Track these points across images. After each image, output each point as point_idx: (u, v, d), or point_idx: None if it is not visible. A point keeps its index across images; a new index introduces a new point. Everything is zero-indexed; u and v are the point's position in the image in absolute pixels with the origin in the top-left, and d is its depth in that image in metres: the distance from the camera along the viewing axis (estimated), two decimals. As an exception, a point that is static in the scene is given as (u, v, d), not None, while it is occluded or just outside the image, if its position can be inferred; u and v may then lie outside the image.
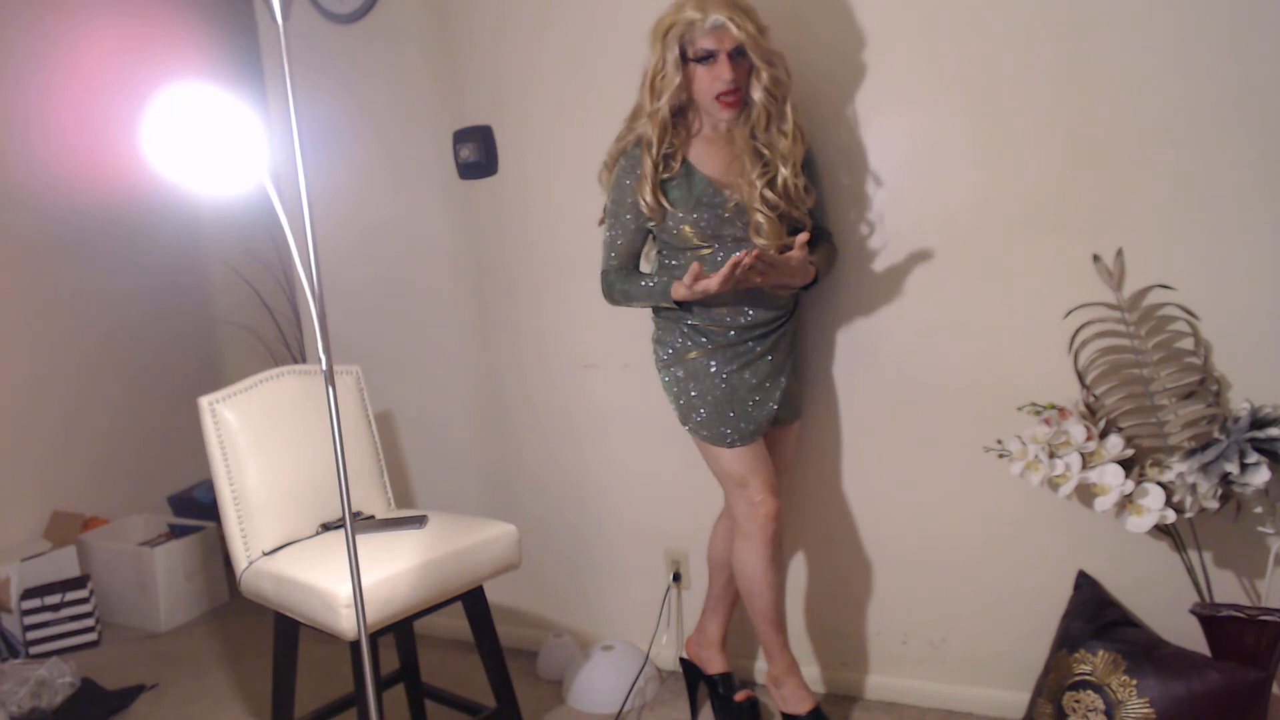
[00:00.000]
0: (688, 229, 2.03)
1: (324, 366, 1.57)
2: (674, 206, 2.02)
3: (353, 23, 2.81)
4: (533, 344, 2.74)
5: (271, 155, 1.59)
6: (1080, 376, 2.01)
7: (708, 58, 1.93)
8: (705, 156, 2.04)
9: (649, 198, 2.02)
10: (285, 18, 1.55)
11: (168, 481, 3.83)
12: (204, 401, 2.13)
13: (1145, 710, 1.85)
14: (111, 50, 3.59)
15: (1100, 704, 1.90)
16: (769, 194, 1.97)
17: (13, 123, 3.38)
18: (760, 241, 1.99)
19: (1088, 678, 1.93)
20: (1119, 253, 1.96)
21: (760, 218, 1.98)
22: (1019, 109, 2.05)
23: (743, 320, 2.06)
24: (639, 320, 2.37)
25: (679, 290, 1.99)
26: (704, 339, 2.08)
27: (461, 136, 2.69)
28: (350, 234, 2.91)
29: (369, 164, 2.88)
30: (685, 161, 2.04)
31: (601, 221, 2.19)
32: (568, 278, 2.63)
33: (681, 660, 2.46)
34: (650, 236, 2.16)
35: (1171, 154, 1.95)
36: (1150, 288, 1.97)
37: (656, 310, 2.16)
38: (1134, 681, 1.87)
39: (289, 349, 3.92)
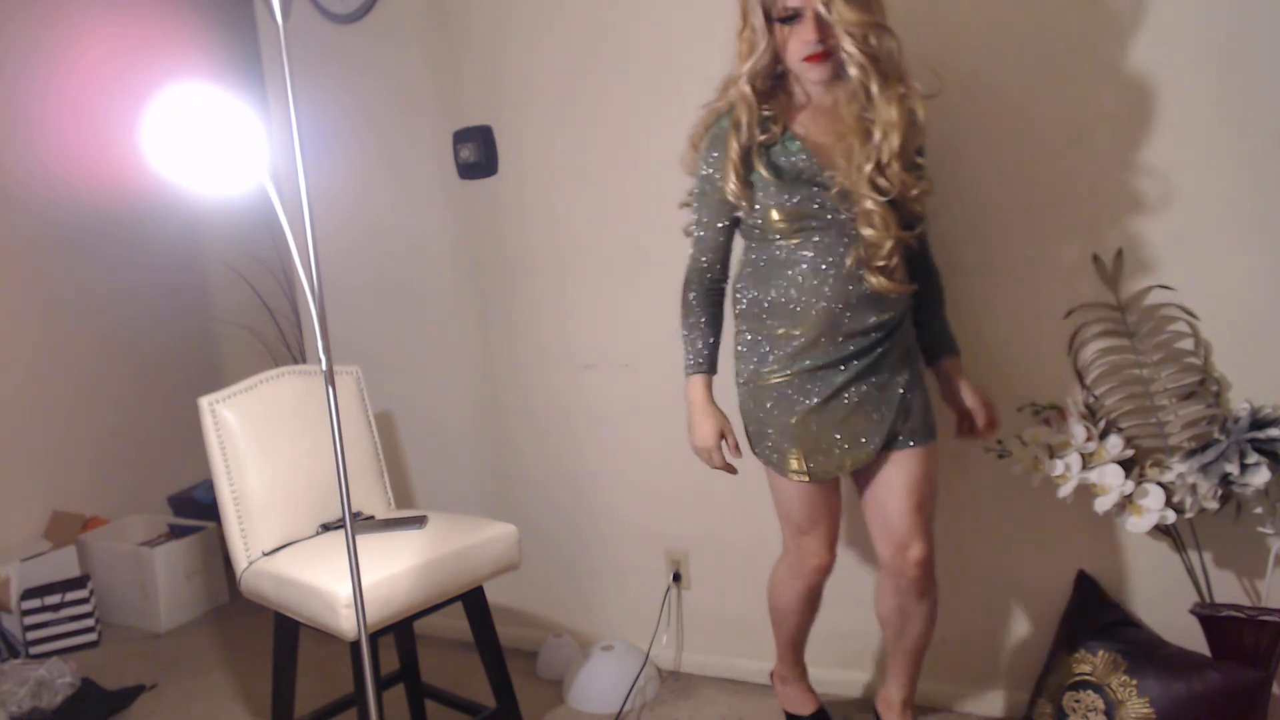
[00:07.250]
0: (775, 214, 1.79)
1: (324, 366, 1.57)
2: (771, 177, 1.78)
3: (353, 23, 2.81)
4: (533, 344, 2.74)
5: (271, 155, 1.58)
6: (1080, 376, 2.01)
7: (793, 18, 1.72)
8: (811, 128, 1.80)
9: (733, 183, 1.80)
10: (285, 18, 1.55)
11: (168, 481, 3.82)
12: (204, 402, 2.13)
13: (1145, 710, 1.85)
14: (111, 50, 3.58)
15: (1100, 704, 1.90)
16: (880, 179, 1.72)
17: (13, 123, 3.38)
18: (869, 233, 1.73)
19: (1088, 678, 1.93)
20: (1119, 253, 1.96)
21: (869, 204, 1.72)
22: (1018, 108, 2.05)
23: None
24: (639, 320, 2.37)
25: (696, 391, 1.94)
26: (786, 359, 1.85)
27: (461, 137, 2.69)
28: (350, 234, 2.91)
29: (369, 164, 2.88)
30: (787, 129, 1.80)
31: (684, 204, 1.98)
32: (568, 278, 2.63)
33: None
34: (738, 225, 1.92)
35: (1172, 154, 1.95)
36: (1150, 288, 1.97)
37: (739, 315, 1.94)
38: (1134, 681, 1.87)
39: (289, 349, 3.91)
